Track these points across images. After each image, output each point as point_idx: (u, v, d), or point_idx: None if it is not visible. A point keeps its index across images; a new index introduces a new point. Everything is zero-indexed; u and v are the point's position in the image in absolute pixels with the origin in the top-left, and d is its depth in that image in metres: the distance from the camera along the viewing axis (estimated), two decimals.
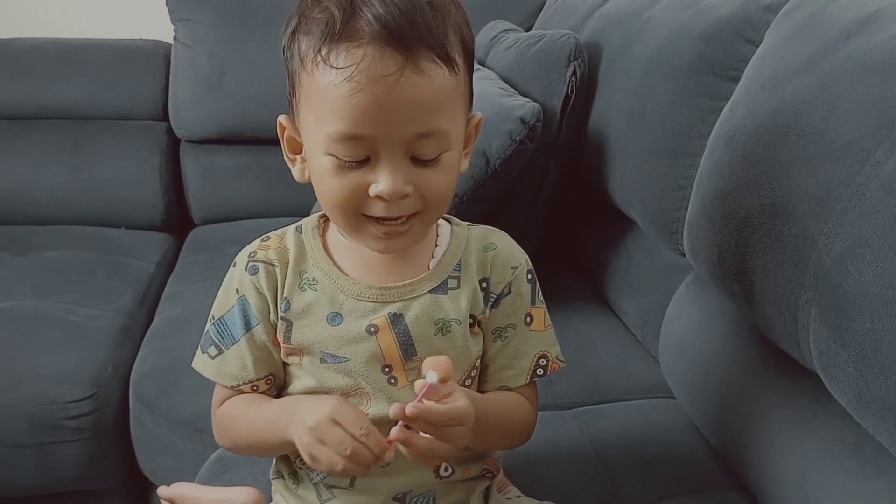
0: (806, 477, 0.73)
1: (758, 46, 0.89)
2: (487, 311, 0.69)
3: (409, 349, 0.65)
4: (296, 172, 0.65)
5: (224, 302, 0.68)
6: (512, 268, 0.70)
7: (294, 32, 0.59)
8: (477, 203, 1.12)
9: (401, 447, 0.58)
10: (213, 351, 0.68)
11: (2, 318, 1.26)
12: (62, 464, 1.15)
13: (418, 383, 0.57)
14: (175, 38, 1.70)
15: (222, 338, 0.68)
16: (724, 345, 0.92)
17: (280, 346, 0.67)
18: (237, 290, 0.67)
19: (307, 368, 0.67)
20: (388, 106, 0.55)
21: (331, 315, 0.65)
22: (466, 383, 0.69)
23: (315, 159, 0.60)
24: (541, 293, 0.72)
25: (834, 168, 0.65)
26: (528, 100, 1.13)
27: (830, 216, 0.64)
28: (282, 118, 0.65)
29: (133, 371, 1.18)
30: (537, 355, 0.71)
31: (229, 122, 1.67)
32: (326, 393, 0.66)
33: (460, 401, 0.58)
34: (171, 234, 1.72)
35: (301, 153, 0.64)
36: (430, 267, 0.67)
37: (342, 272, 0.66)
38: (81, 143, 1.70)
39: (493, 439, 0.71)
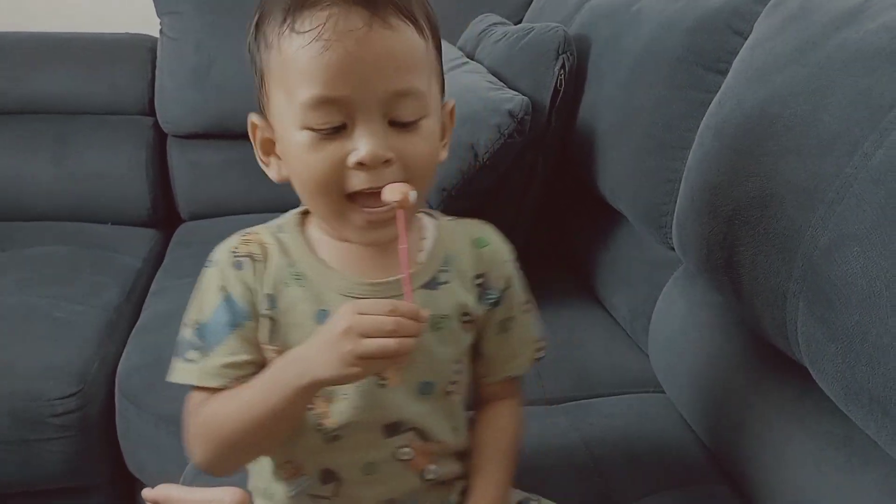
0: (795, 470, 0.73)
1: (746, 38, 0.89)
2: (483, 309, 0.68)
3: None
4: (272, 173, 0.63)
5: (204, 305, 0.64)
6: (506, 261, 0.70)
7: (258, 25, 0.59)
8: (465, 198, 1.12)
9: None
10: (193, 355, 0.63)
11: None
12: (47, 460, 1.13)
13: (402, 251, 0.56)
14: (161, 31, 1.68)
15: (205, 339, 0.63)
16: (712, 338, 0.91)
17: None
18: (222, 288, 0.63)
19: None
20: (360, 60, 0.54)
21: (319, 313, 0.62)
22: (453, 380, 0.68)
23: (290, 141, 0.58)
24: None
25: (822, 160, 0.65)
26: (516, 93, 1.12)
27: (818, 208, 0.64)
28: (253, 117, 0.63)
29: (119, 367, 1.16)
30: (535, 340, 0.72)
31: (217, 115, 1.65)
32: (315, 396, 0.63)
33: None
34: (157, 230, 1.71)
35: (274, 152, 0.62)
36: (419, 261, 0.65)
37: (328, 267, 0.64)
38: (66, 138, 1.68)
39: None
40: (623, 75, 1.10)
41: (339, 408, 0.63)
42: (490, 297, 0.68)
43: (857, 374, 0.59)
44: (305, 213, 0.67)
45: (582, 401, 1.03)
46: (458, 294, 0.66)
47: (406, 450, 0.66)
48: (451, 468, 0.70)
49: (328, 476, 0.66)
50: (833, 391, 0.64)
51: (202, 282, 0.65)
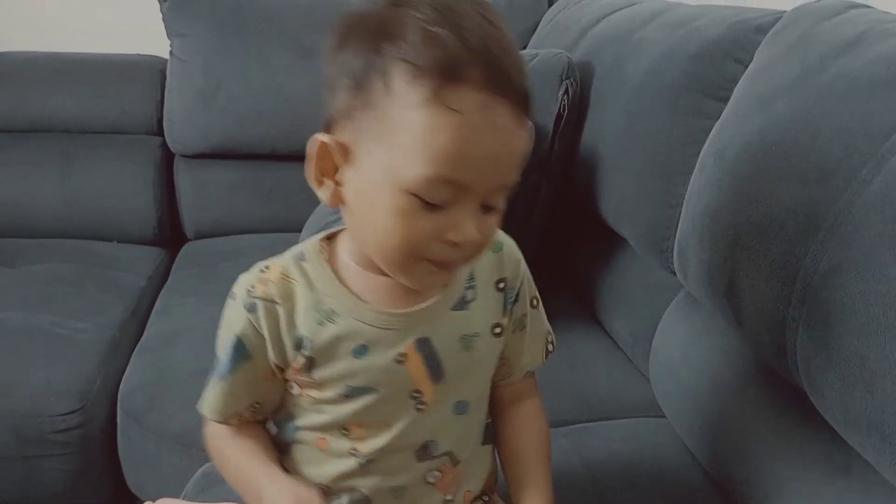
0: (792, 497, 0.73)
1: (747, 66, 0.90)
2: (510, 312, 0.68)
3: (437, 371, 0.64)
4: (324, 195, 0.59)
5: (222, 337, 0.64)
6: (519, 259, 0.70)
7: (377, 49, 0.52)
8: None
9: None
10: (209, 386, 0.67)
11: None
12: (47, 478, 1.14)
13: None
14: (171, 52, 1.71)
15: (217, 371, 0.65)
16: (712, 363, 0.92)
17: (274, 379, 0.65)
18: (231, 327, 0.63)
19: (326, 402, 0.64)
20: (496, 157, 0.53)
21: (356, 348, 0.62)
22: (484, 395, 0.70)
23: (382, 199, 0.54)
24: None
25: (821, 186, 0.66)
26: None
27: (817, 234, 0.64)
28: (325, 139, 0.57)
29: (121, 385, 1.17)
30: (546, 332, 0.73)
31: (224, 136, 1.67)
32: (341, 426, 0.65)
33: None
34: (163, 249, 1.72)
35: (333, 175, 0.58)
36: (446, 284, 0.65)
37: (361, 300, 0.62)
38: (74, 156, 1.69)
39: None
40: (625, 101, 1.11)
41: (377, 433, 0.64)
42: (510, 298, 0.68)
43: (856, 399, 0.59)
44: (329, 238, 0.66)
45: (582, 424, 1.03)
46: (487, 308, 0.67)
47: (436, 473, 0.67)
48: (469, 490, 0.71)
49: (360, 500, 0.66)
50: (832, 416, 0.64)
51: (224, 313, 0.64)
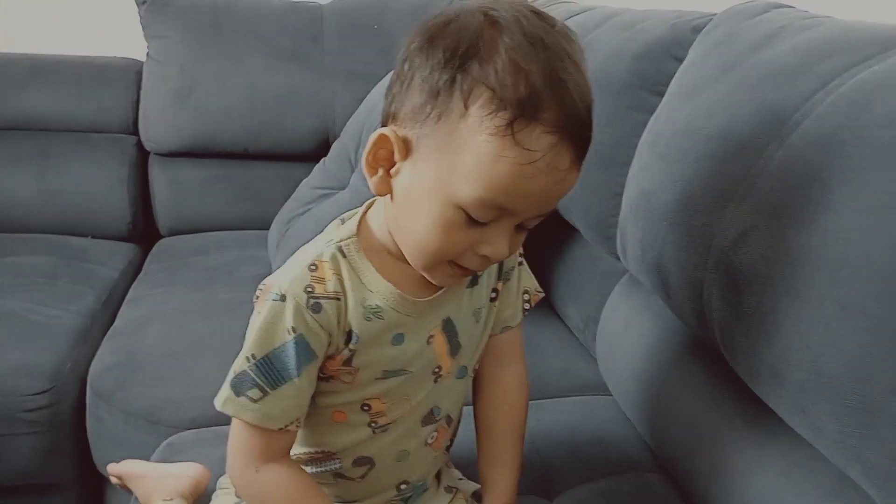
0: (711, 450, 0.79)
1: None
2: (502, 275, 0.73)
3: (455, 345, 0.69)
4: (375, 183, 0.60)
5: (269, 339, 0.61)
6: None
7: (464, 65, 0.53)
8: None
9: None
10: (255, 393, 0.62)
11: None
12: (16, 456, 1.17)
13: None
14: (147, 54, 1.76)
15: (269, 378, 0.61)
16: (649, 337, 0.98)
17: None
18: (293, 329, 0.61)
19: (356, 384, 0.66)
20: (549, 194, 0.56)
21: (395, 336, 0.66)
22: (478, 357, 0.74)
23: (431, 205, 0.56)
24: None
25: (734, 163, 0.72)
26: None
27: (729, 205, 0.71)
28: (387, 132, 0.58)
29: (91, 367, 1.20)
30: (523, 290, 0.76)
31: (197, 135, 1.72)
32: (364, 402, 0.67)
33: None
34: (136, 245, 1.76)
35: (389, 166, 0.59)
36: None
37: (402, 293, 0.65)
38: (51, 154, 1.73)
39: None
40: None
41: (398, 406, 0.68)
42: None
43: (759, 349, 0.65)
44: (360, 224, 0.67)
45: (534, 401, 1.08)
46: (488, 277, 0.71)
47: (434, 434, 0.72)
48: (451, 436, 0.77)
49: (363, 461, 0.70)
50: (741, 369, 0.70)
51: (267, 314, 0.62)
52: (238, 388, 0.62)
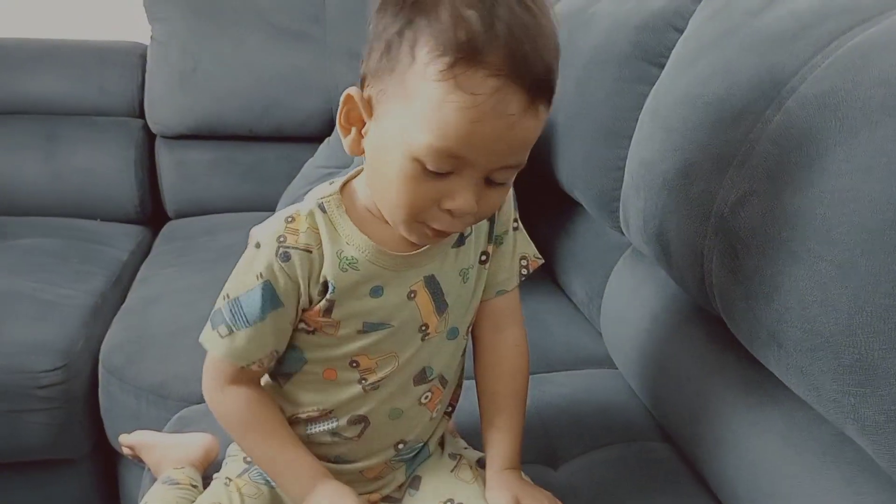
0: (713, 416, 0.80)
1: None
2: (493, 238, 0.73)
3: (441, 304, 0.69)
4: (348, 143, 0.63)
5: (241, 282, 0.65)
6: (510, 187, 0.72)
7: (411, 18, 0.55)
8: None
9: None
10: (223, 330, 0.66)
11: None
12: (31, 432, 1.19)
13: None
14: (151, 37, 1.76)
15: (235, 319, 0.66)
16: (653, 308, 0.98)
17: (296, 324, 0.68)
18: (261, 275, 0.64)
19: (341, 338, 0.68)
20: (501, 141, 0.55)
21: (373, 289, 0.66)
22: (472, 321, 0.74)
23: (393, 158, 0.58)
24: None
25: (733, 129, 0.73)
26: None
27: (728, 170, 0.71)
28: (352, 91, 0.61)
29: (103, 344, 1.22)
30: (520, 256, 0.76)
31: (202, 117, 1.73)
32: (352, 359, 0.68)
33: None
34: (144, 226, 1.78)
35: (360, 126, 0.62)
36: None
37: (378, 245, 0.66)
38: (59, 138, 1.75)
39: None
40: (578, 72, 1.18)
41: (386, 364, 0.69)
42: (495, 223, 0.73)
43: (757, 312, 0.66)
44: (345, 185, 0.68)
45: (539, 375, 1.09)
46: (478, 239, 0.71)
47: (428, 394, 0.73)
48: (448, 398, 0.77)
49: (358, 419, 0.71)
50: (741, 333, 0.71)
51: (243, 259, 0.67)
52: (213, 322, 0.67)
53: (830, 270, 0.57)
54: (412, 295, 0.68)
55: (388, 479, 0.76)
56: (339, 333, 0.67)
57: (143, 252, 1.64)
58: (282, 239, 0.65)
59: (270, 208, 1.64)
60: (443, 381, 0.74)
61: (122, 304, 1.36)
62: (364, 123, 0.61)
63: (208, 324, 0.68)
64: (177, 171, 1.80)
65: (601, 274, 1.19)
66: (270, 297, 0.64)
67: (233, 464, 0.77)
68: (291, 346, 0.70)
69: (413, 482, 0.77)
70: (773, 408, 0.73)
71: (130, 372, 1.15)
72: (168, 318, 1.25)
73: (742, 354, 0.76)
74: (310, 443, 0.72)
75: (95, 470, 1.30)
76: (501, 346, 0.77)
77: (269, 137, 1.77)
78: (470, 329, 0.75)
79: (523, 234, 0.77)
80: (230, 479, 0.74)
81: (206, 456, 0.84)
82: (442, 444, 0.81)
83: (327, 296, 0.65)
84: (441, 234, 0.62)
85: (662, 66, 1.00)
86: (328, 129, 1.71)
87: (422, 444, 0.77)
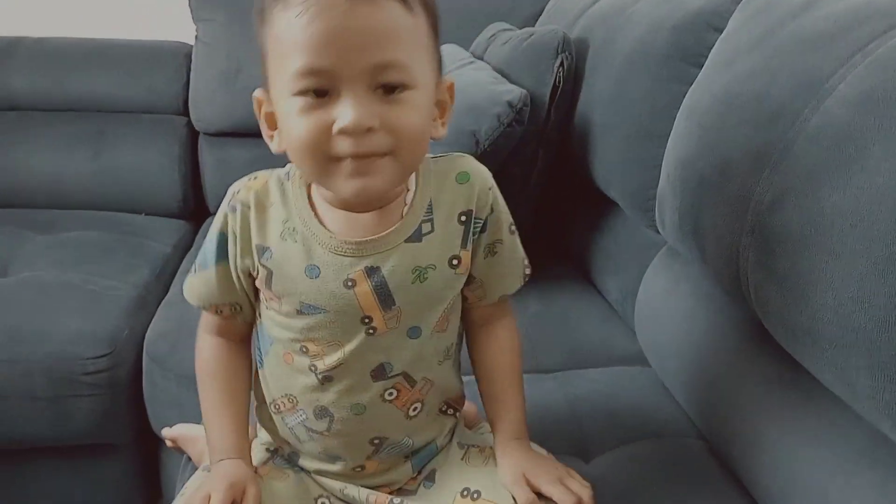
0: (745, 414, 0.80)
1: None
2: (470, 244, 0.70)
3: (387, 299, 0.67)
4: (273, 145, 0.66)
5: (210, 232, 0.71)
6: (489, 188, 0.71)
7: (260, 4, 0.63)
8: None
9: None
10: (192, 268, 0.73)
11: (25, 285, 1.36)
12: (78, 417, 1.23)
13: None
14: (196, 37, 1.81)
15: (197, 261, 0.72)
16: (687, 307, 0.99)
17: (252, 286, 0.71)
18: (218, 224, 0.70)
19: (286, 315, 0.69)
20: (343, 33, 0.57)
21: (308, 267, 0.67)
22: (441, 320, 0.71)
23: (283, 109, 0.61)
24: None
25: (771, 128, 0.73)
26: (515, 86, 1.21)
27: (765, 170, 0.72)
28: (257, 92, 0.67)
29: (147, 333, 1.26)
30: (523, 259, 0.76)
31: (244, 115, 1.75)
32: (300, 343, 0.69)
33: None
34: (187, 221, 1.82)
35: (277, 127, 0.65)
36: (403, 215, 0.68)
37: (322, 225, 0.67)
38: (106, 134, 1.80)
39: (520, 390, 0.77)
40: (616, 72, 1.19)
41: (332, 352, 0.69)
42: (476, 226, 0.70)
43: (792, 310, 0.66)
44: None
45: (570, 371, 1.10)
46: (444, 240, 0.69)
47: (392, 391, 0.71)
48: (440, 401, 0.76)
49: (322, 412, 0.71)
50: (777, 332, 0.71)
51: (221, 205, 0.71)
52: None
53: (867, 267, 0.57)
54: (350, 283, 0.66)
55: (391, 475, 0.76)
56: (282, 310, 0.69)
57: (186, 246, 1.68)
58: (236, 191, 0.69)
59: None
60: (408, 378, 0.71)
61: (165, 295, 1.40)
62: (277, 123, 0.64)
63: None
64: (218, 167, 1.84)
65: (636, 272, 1.20)
66: (221, 247, 0.69)
67: (254, 447, 0.77)
68: (260, 321, 0.73)
69: (429, 475, 0.76)
70: (809, 407, 0.73)
71: (172, 360, 1.19)
72: None
73: (777, 352, 0.76)
74: (298, 440, 0.74)
75: (138, 456, 1.34)
76: (493, 334, 0.77)
77: None
78: (443, 329, 0.73)
79: (517, 239, 0.76)
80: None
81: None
82: (451, 437, 0.80)
83: (267, 262, 0.67)
84: (359, 170, 0.60)
85: (700, 66, 1.01)
86: None
87: (411, 442, 0.75)
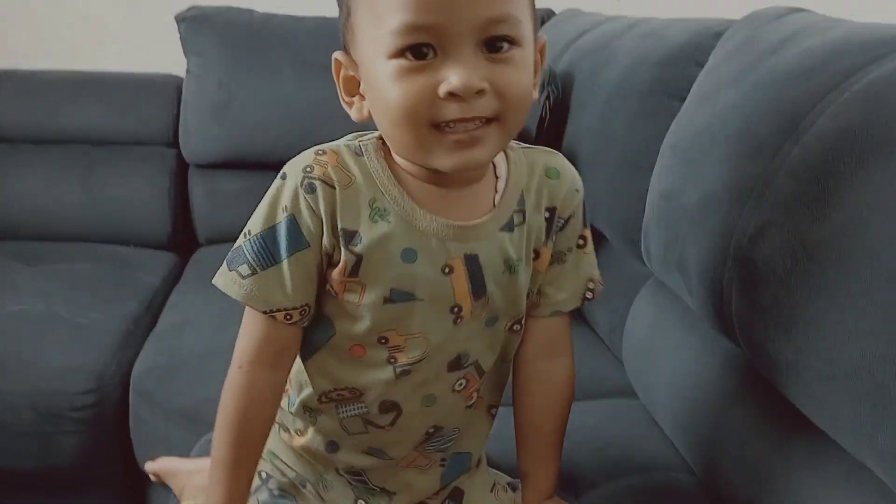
0: (732, 445, 0.80)
1: None
2: (552, 242, 0.68)
3: (480, 288, 0.64)
4: (354, 113, 0.61)
5: (266, 217, 0.61)
6: (576, 191, 0.69)
7: None
8: None
9: None
10: (245, 270, 0.61)
11: (13, 319, 1.35)
12: (62, 452, 1.22)
13: None
14: (187, 69, 1.83)
15: (259, 257, 0.61)
16: (675, 339, 0.99)
17: (322, 277, 0.63)
18: (286, 207, 0.60)
19: (367, 306, 0.63)
20: None
21: (406, 251, 0.61)
22: (519, 318, 0.69)
23: (376, 72, 0.56)
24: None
25: (752, 162, 0.74)
26: None
27: (747, 203, 0.73)
28: (337, 54, 0.61)
29: (134, 368, 1.26)
30: (587, 278, 0.72)
31: (234, 147, 1.78)
32: (380, 335, 0.64)
33: None
34: (176, 253, 1.82)
35: (358, 93, 0.60)
36: (496, 203, 0.64)
37: (416, 204, 0.62)
38: (95, 166, 1.81)
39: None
40: (600, 106, 1.20)
41: (414, 342, 0.64)
42: (556, 226, 0.68)
43: (775, 342, 0.67)
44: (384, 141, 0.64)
45: None
46: (532, 233, 0.66)
47: (462, 381, 0.69)
48: (493, 394, 0.74)
49: (390, 406, 0.68)
50: (760, 363, 0.72)
51: (268, 193, 0.62)
52: (231, 263, 0.62)
53: (847, 300, 0.58)
54: (448, 270, 0.62)
55: (420, 483, 0.73)
56: (364, 301, 0.62)
57: (175, 278, 1.68)
58: (308, 169, 0.61)
59: None
60: (479, 369, 0.69)
61: (153, 328, 1.40)
62: (360, 86, 0.60)
63: (223, 266, 0.63)
64: (208, 199, 1.84)
65: (623, 304, 1.20)
66: (295, 233, 0.60)
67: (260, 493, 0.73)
68: (320, 312, 0.65)
69: (454, 494, 0.75)
70: (796, 436, 0.73)
71: (160, 395, 1.18)
72: (197, 343, 1.28)
73: (765, 384, 0.76)
74: (345, 433, 0.69)
75: (125, 489, 1.32)
76: (553, 379, 0.73)
77: None
78: (512, 327, 0.69)
79: (590, 256, 0.72)
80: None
81: None
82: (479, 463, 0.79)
83: (355, 248, 0.60)
84: (460, 138, 0.55)
85: (683, 100, 1.02)
86: None
87: (453, 439, 0.73)
